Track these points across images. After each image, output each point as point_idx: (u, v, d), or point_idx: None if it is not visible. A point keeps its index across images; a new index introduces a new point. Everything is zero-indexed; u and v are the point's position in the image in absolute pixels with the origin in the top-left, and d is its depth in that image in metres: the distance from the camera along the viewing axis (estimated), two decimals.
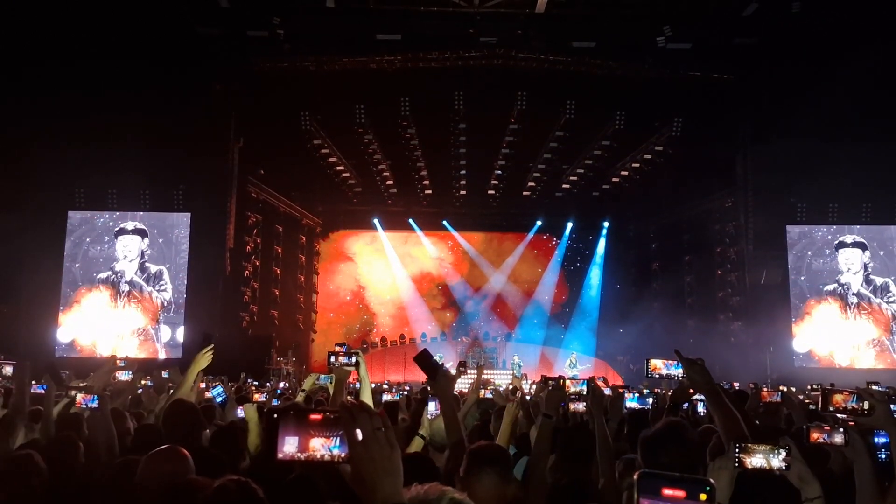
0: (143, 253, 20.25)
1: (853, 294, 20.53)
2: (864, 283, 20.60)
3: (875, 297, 20.42)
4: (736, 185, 21.10)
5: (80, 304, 19.93)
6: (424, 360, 3.31)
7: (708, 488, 0.96)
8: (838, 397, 3.04)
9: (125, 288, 20.01)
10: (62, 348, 19.64)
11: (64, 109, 16.94)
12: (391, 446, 1.43)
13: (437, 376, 3.31)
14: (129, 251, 20.20)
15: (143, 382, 5.96)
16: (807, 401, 9.20)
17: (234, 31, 17.87)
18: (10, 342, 16.19)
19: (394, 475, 1.42)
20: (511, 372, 21.75)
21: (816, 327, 20.49)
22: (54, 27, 16.05)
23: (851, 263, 20.71)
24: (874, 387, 5.75)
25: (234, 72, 19.00)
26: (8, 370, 4.63)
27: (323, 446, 1.48)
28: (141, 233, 20.29)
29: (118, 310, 19.96)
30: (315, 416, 1.49)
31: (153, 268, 20.18)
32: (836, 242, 20.85)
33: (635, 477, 1.01)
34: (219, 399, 5.66)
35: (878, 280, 20.61)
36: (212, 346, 4.85)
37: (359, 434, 1.41)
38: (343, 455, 1.46)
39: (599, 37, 18.02)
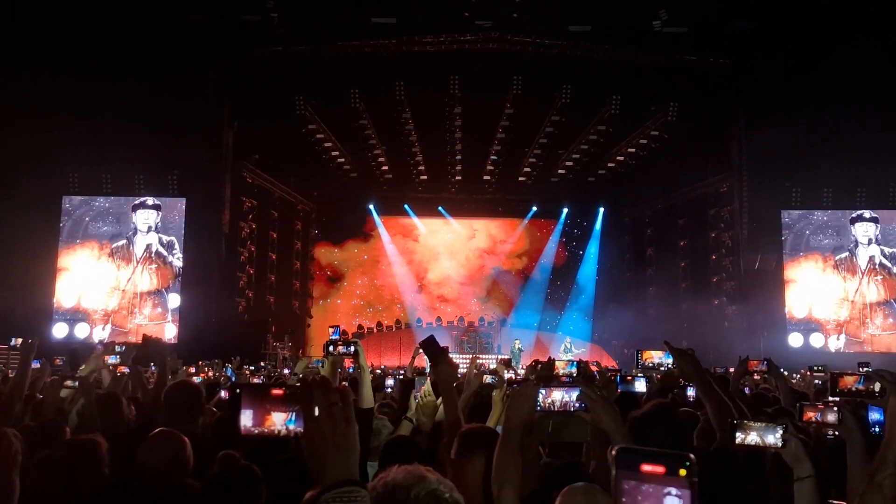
0: (156, 226, 20.75)
1: (868, 263, 21.01)
2: (881, 254, 21.11)
3: (890, 264, 21.03)
4: (731, 170, 21.10)
5: (69, 269, 20.29)
6: (430, 346, 3.40)
7: (688, 463, 0.95)
8: (848, 379, 3.06)
9: (143, 254, 20.60)
10: (63, 315, 19.94)
11: (57, 95, 16.84)
12: (347, 422, 1.41)
13: (440, 363, 3.35)
14: (148, 223, 20.71)
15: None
16: (805, 379, 9.25)
17: (228, 16, 17.73)
18: (7, 325, 16.17)
19: (346, 451, 1.40)
20: (505, 357, 21.77)
21: (811, 289, 20.95)
22: (46, 14, 15.91)
23: (869, 235, 21.09)
24: (864, 369, 5.78)
25: (228, 56, 18.88)
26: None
27: (280, 421, 1.49)
28: (157, 207, 20.85)
29: (134, 275, 20.51)
30: (276, 392, 1.51)
31: (165, 238, 20.75)
32: (853, 216, 21.18)
33: (613, 453, 1.00)
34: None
35: (888, 250, 21.12)
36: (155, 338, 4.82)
37: (316, 409, 1.41)
38: (299, 430, 1.47)
39: (595, 21, 17.92)
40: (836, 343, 20.72)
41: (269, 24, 17.67)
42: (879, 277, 20.97)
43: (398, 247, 27.89)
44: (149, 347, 4.95)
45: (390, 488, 1.51)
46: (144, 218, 20.67)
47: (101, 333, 19.75)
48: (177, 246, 20.63)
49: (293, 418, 1.49)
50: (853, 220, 21.17)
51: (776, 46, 17.74)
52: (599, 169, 24.68)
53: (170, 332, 20.03)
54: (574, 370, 4.58)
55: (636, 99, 20.24)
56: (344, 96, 20.06)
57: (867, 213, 21.12)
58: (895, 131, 17.66)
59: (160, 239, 20.62)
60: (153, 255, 20.55)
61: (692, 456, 0.96)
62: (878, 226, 21.10)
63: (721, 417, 2.89)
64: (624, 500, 0.98)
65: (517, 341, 22.85)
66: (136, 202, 20.71)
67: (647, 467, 0.97)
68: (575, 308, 27.49)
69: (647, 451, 0.98)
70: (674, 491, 0.96)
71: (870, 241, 21.06)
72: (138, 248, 20.58)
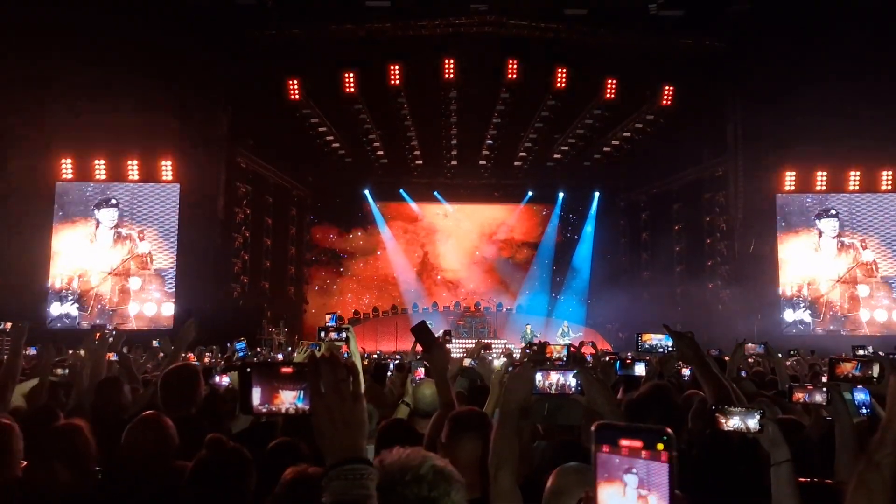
0: (118, 221, 20.54)
1: (838, 250, 21.30)
2: (851, 244, 21.32)
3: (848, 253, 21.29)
4: (727, 154, 21.09)
5: (60, 253, 20.26)
6: (421, 331, 3.34)
7: (665, 438, 0.97)
8: (847, 366, 3.07)
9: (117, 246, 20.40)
10: (56, 297, 19.94)
11: (50, 81, 16.72)
12: (353, 398, 1.41)
13: (433, 348, 3.33)
14: (111, 220, 20.51)
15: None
16: (801, 363, 9.31)
17: None
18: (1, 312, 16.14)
19: (354, 427, 1.39)
20: (504, 344, 21.83)
21: (802, 270, 21.19)
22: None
23: (836, 230, 21.31)
24: (860, 352, 5.81)
25: (222, 40, 18.71)
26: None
27: (290, 399, 1.49)
28: (117, 204, 20.55)
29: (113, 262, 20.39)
30: (286, 370, 1.50)
31: (125, 231, 20.52)
32: (820, 210, 21.31)
33: (592, 428, 1.01)
34: (241, 354, 5.62)
35: (848, 240, 21.33)
36: (191, 319, 4.85)
37: (323, 386, 1.40)
38: (307, 408, 1.46)
39: (591, 4, 17.83)
40: (826, 325, 20.91)
41: (263, 8, 17.53)
42: (853, 264, 21.30)
43: (394, 232, 27.87)
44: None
45: (398, 468, 1.54)
46: (111, 216, 20.51)
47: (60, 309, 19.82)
48: (156, 237, 20.53)
49: (302, 396, 1.48)
50: (819, 215, 21.38)
51: (773, 29, 17.69)
52: (595, 153, 24.63)
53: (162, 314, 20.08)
54: (565, 355, 4.61)
55: (632, 82, 20.15)
56: (338, 80, 19.93)
57: (833, 210, 21.34)
58: (889, 115, 17.68)
59: (121, 233, 20.50)
60: (132, 255, 20.46)
61: (669, 430, 0.97)
62: (839, 219, 21.35)
63: (718, 401, 2.91)
64: (602, 474, 0.99)
65: (528, 326, 22.86)
66: (99, 199, 20.49)
67: (625, 442, 0.98)
68: (570, 292, 27.57)
69: (626, 427, 0.99)
70: (652, 465, 0.97)
71: (835, 235, 21.34)
72: (105, 240, 20.47)
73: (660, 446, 0.96)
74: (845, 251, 21.26)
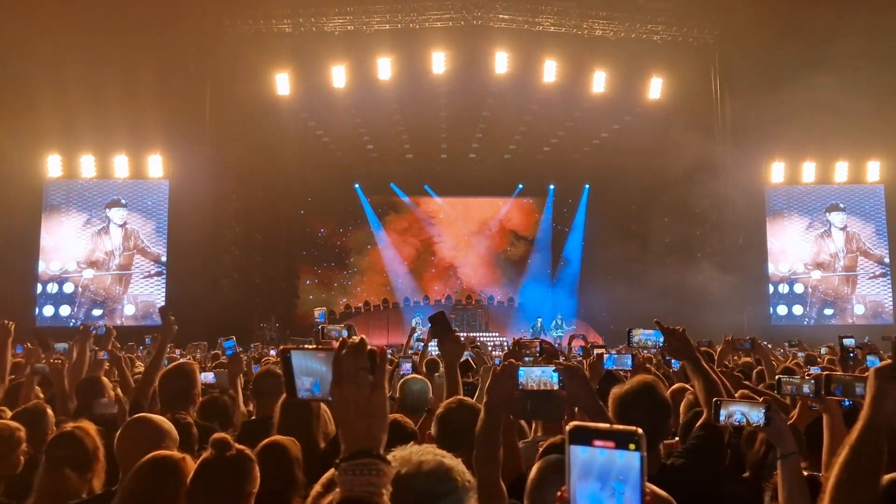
0: (126, 220, 20.65)
1: (844, 245, 21.74)
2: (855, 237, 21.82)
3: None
4: (716, 145, 21.14)
5: (53, 249, 20.27)
6: (440, 321, 3.38)
7: (636, 437, 1.00)
8: (832, 386, 3.07)
9: (122, 246, 20.57)
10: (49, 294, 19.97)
11: (38, 77, 16.60)
12: (373, 387, 1.36)
13: (448, 339, 3.34)
14: (124, 219, 20.64)
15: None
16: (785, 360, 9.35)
17: None
18: None
19: (370, 417, 1.35)
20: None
21: (793, 258, 21.68)
22: None
23: (845, 223, 21.80)
24: (846, 340, 5.82)
25: (209, 33, 18.59)
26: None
27: (306, 385, 1.46)
28: (127, 203, 20.67)
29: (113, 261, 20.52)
30: (320, 355, 1.47)
31: (131, 227, 20.66)
32: (829, 205, 21.76)
33: (567, 429, 1.04)
34: (230, 352, 5.46)
35: (852, 231, 21.83)
36: (172, 318, 4.72)
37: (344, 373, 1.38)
38: (319, 396, 1.45)
39: None
40: (815, 314, 21.12)
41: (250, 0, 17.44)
42: (854, 254, 21.72)
43: (384, 226, 27.82)
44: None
45: (407, 462, 1.54)
46: (120, 216, 20.66)
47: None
48: (151, 233, 20.63)
49: (318, 383, 1.45)
50: (829, 209, 21.80)
51: (761, 19, 17.72)
52: (585, 146, 24.64)
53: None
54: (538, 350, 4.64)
55: (620, 75, 20.17)
56: (327, 73, 19.85)
57: (841, 204, 21.75)
58: (877, 107, 17.78)
59: (132, 231, 20.64)
60: (133, 248, 20.57)
61: (640, 431, 1.01)
62: (846, 214, 21.80)
63: (709, 395, 2.93)
64: (576, 474, 1.03)
65: (539, 319, 22.92)
66: (110, 200, 20.58)
67: (598, 443, 1.02)
68: (561, 285, 27.63)
69: (599, 428, 1.03)
70: (624, 465, 1.01)
71: (843, 227, 21.82)
72: (115, 239, 20.57)
73: (631, 446, 1.00)
74: (846, 242, 21.72)
